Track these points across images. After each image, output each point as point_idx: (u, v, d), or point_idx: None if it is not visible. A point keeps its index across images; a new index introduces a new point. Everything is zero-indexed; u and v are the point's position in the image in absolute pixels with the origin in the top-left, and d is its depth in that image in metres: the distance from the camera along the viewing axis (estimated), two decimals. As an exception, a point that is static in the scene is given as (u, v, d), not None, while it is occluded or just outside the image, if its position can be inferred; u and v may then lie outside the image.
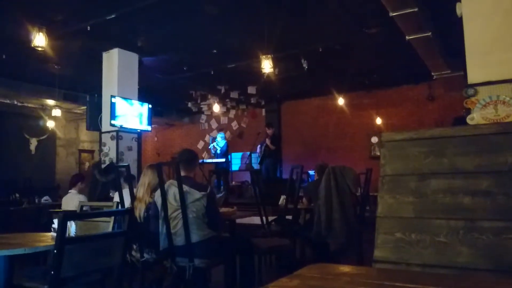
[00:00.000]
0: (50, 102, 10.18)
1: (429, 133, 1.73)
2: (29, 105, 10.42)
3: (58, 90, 9.35)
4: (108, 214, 2.78)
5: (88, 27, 5.87)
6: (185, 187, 2.93)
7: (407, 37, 5.79)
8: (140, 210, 3.19)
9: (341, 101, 10.25)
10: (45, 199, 7.32)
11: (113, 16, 5.64)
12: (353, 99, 10.50)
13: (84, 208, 3.17)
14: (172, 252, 2.93)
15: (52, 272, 1.58)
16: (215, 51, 7.44)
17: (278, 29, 5.99)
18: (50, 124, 10.95)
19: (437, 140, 1.69)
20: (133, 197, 3.28)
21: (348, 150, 10.59)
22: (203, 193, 3.00)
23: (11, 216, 6.12)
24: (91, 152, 13.68)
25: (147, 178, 3.29)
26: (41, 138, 12.07)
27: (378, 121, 10.40)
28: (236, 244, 3.33)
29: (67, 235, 2.25)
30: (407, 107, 10.21)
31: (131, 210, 2.41)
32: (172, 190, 2.97)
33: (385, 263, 1.58)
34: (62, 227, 1.60)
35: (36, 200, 7.39)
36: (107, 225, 2.62)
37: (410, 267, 1.54)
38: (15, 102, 10.03)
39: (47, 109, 10.66)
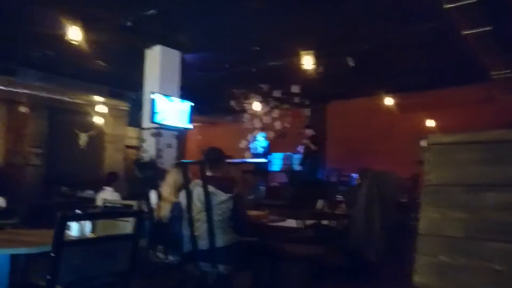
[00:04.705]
0: (98, 98, 10.49)
1: (485, 137, 1.44)
2: (79, 101, 10.79)
3: (106, 87, 9.61)
4: (113, 215, 2.64)
5: (129, 23, 5.88)
6: (211, 188, 2.77)
7: (463, 32, 5.32)
8: (165, 210, 3.07)
9: (389, 101, 9.78)
10: (88, 192, 7.50)
11: (153, 12, 5.61)
12: (402, 99, 9.97)
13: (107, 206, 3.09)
14: (195, 256, 2.77)
15: (48, 277, 1.46)
16: (257, 48, 7.27)
17: (322, 25, 5.72)
18: (99, 120, 11.29)
19: (495, 145, 1.40)
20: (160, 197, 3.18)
21: (395, 154, 10.04)
22: (229, 195, 2.82)
23: (55, 209, 6.29)
24: (137, 148, 13.96)
25: (172, 177, 3.17)
26: (90, 133, 12.48)
27: (429, 123, 9.82)
28: (264, 251, 3.12)
29: (80, 234, 2.16)
30: (462, 109, 9.53)
31: (139, 212, 2.27)
32: (197, 191, 2.82)
33: (426, 291, 1.32)
34: (60, 228, 1.47)
35: (79, 194, 7.59)
36: (127, 225, 2.50)
37: (457, 298, 1.28)
38: (66, 98, 10.42)
39: (95, 106, 11.00)
